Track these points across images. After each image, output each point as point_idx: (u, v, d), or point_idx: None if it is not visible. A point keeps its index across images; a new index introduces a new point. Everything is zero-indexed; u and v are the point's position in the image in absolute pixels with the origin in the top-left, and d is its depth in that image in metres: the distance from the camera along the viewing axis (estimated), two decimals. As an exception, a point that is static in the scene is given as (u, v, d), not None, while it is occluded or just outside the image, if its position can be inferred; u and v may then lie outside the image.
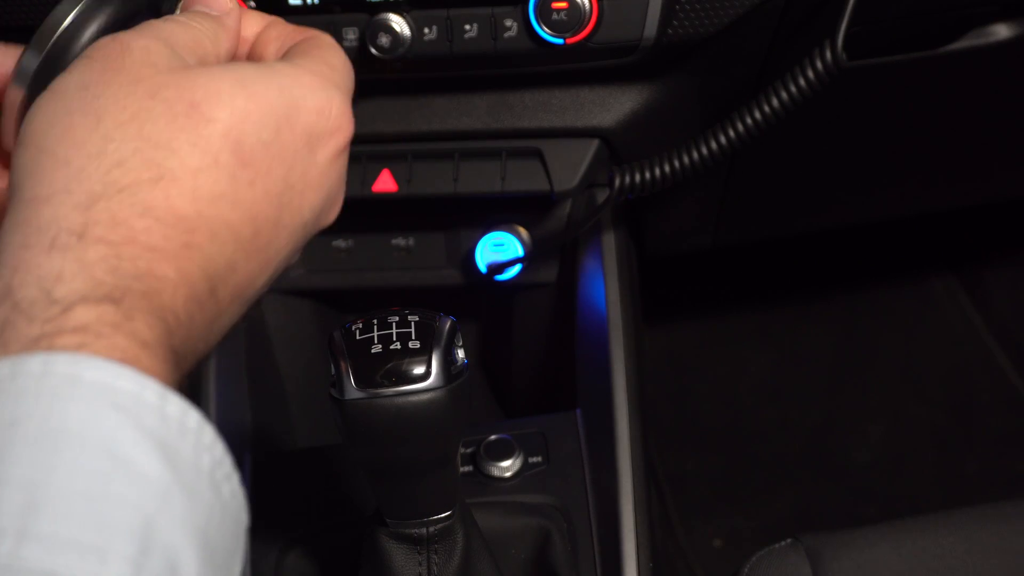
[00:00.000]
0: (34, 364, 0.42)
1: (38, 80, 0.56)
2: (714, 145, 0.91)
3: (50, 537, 0.38)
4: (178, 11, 0.60)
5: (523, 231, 1.10)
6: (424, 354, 0.66)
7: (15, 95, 0.57)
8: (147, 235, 0.47)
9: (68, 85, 0.51)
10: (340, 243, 1.13)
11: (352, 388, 0.66)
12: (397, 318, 0.68)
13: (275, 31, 0.61)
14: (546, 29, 0.87)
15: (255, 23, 0.61)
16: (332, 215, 0.58)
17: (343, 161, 0.56)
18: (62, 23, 0.57)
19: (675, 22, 0.88)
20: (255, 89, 0.52)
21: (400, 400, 0.66)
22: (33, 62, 0.56)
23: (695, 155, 0.92)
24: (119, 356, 0.44)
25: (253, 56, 0.61)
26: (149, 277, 0.47)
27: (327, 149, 0.54)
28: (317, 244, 1.13)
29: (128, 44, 0.52)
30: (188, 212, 0.48)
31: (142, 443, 0.42)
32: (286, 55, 0.58)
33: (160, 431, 0.43)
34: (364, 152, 1.02)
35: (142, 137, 0.49)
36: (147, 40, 0.53)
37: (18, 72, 0.57)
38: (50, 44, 0.57)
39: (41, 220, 0.47)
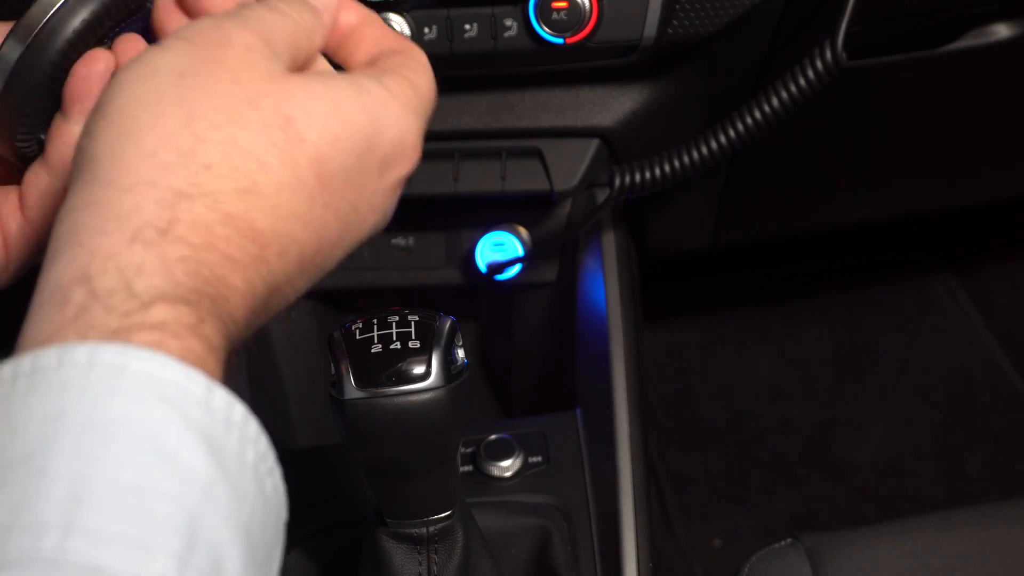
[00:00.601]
0: (80, 354, 0.41)
1: (17, 73, 0.54)
2: (714, 145, 0.91)
3: (95, 531, 0.38)
4: None
5: (523, 231, 1.10)
6: (424, 354, 0.66)
7: (8, 54, 0.54)
8: (226, 243, 0.46)
9: (162, 66, 0.49)
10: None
11: (352, 388, 0.66)
12: (397, 318, 0.68)
13: (369, 31, 0.59)
14: (546, 29, 0.87)
15: (352, 16, 0.59)
16: (377, 232, 0.58)
17: (402, 186, 0.56)
18: (48, 12, 0.54)
19: (675, 22, 0.88)
20: (346, 111, 0.51)
21: (400, 400, 0.66)
22: (14, 53, 0.54)
23: (695, 155, 0.92)
24: (192, 358, 0.44)
25: (342, 52, 0.59)
26: (221, 285, 0.46)
27: (395, 175, 0.54)
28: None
29: (230, 35, 0.51)
30: (265, 227, 0.48)
31: (188, 437, 0.42)
32: (375, 65, 0.57)
33: (206, 424, 0.42)
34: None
35: (234, 144, 0.48)
36: (249, 34, 0.51)
37: (13, 32, 0.54)
38: (33, 35, 0.54)
39: (122, 208, 0.46)
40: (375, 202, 0.54)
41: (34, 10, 0.55)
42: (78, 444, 0.40)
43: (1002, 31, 1.04)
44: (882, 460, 1.64)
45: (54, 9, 0.55)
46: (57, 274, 0.45)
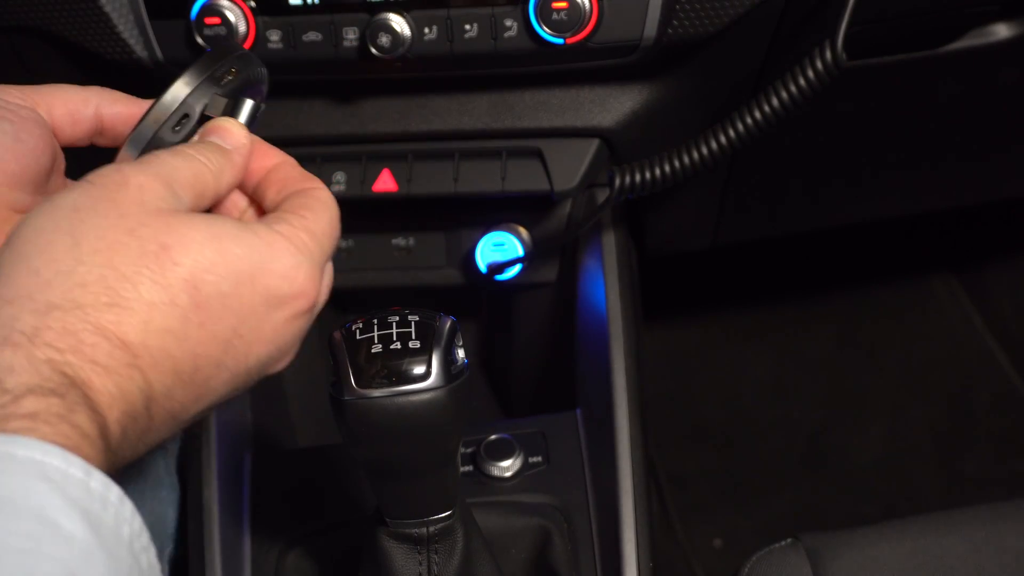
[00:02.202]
0: None
1: (145, 152, 0.63)
2: (714, 145, 0.91)
3: None
4: (196, 137, 0.64)
5: (523, 231, 1.10)
6: (424, 354, 0.66)
7: (126, 157, 0.63)
8: (93, 350, 0.52)
9: (63, 203, 0.56)
10: (340, 243, 1.12)
11: (352, 388, 0.66)
12: (397, 318, 0.68)
13: (282, 174, 0.65)
14: (546, 29, 0.87)
15: (268, 158, 0.65)
16: (280, 365, 0.62)
17: (303, 322, 0.61)
18: (175, 104, 0.63)
19: (675, 22, 0.89)
20: (225, 245, 0.56)
21: (400, 400, 0.66)
22: (147, 133, 0.63)
23: (695, 155, 0.92)
24: (63, 441, 0.49)
25: (257, 194, 0.65)
26: (88, 387, 0.51)
27: (286, 310, 0.59)
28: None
29: (127, 178, 0.57)
30: (135, 340, 0.53)
31: (67, 510, 0.47)
32: (280, 207, 0.62)
33: (84, 501, 0.48)
34: (364, 152, 1.02)
35: (110, 266, 0.54)
36: (146, 178, 0.57)
37: (132, 139, 0.63)
38: (163, 122, 0.63)
39: (2, 318, 0.52)
40: (263, 332, 0.58)
41: (166, 97, 0.64)
42: None
43: (1002, 31, 1.04)
44: (882, 460, 1.65)
45: (181, 100, 0.64)
46: None
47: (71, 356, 0.52)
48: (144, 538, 0.51)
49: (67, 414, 0.50)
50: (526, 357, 1.22)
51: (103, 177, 0.57)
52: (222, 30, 0.89)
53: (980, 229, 1.79)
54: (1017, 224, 1.74)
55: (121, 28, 0.91)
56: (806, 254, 1.79)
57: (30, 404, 0.49)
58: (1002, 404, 1.69)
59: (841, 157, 1.24)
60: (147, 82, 0.96)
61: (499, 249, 1.09)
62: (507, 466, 0.96)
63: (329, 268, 0.63)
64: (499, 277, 1.10)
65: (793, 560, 0.89)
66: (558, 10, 0.86)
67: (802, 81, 0.87)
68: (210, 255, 0.56)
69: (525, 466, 0.97)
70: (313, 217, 0.61)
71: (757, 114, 0.89)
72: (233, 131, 0.63)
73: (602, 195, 1.05)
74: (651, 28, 0.88)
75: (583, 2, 0.86)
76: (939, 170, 1.32)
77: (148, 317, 0.54)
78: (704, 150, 0.92)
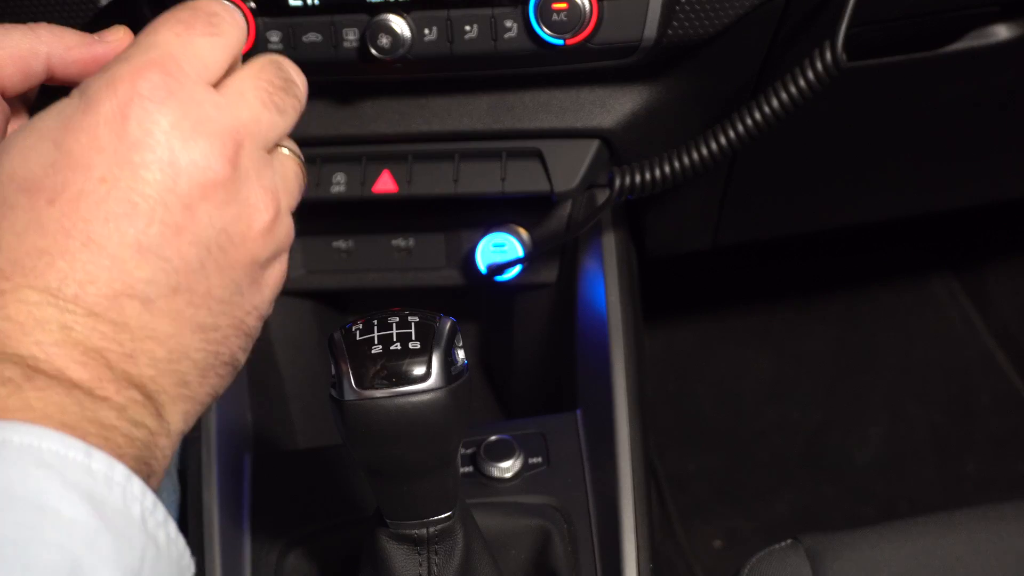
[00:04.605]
0: None
1: None
2: (714, 146, 0.91)
3: None
4: None
5: (523, 232, 1.10)
6: (424, 355, 0.66)
7: None
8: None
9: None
10: (340, 244, 1.13)
11: (352, 388, 0.66)
12: (397, 319, 0.68)
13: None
14: (546, 30, 0.87)
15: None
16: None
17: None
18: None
19: (675, 23, 0.89)
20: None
21: (400, 401, 0.66)
22: None
23: (695, 156, 0.92)
24: (58, 414, 0.48)
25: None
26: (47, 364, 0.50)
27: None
28: (317, 245, 1.13)
29: None
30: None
31: (67, 494, 0.46)
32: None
33: (86, 483, 0.47)
34: (364, 153, 1.02)
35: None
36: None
37: None
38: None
39: None
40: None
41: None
42: None
43: (1002, 32, 1.04)
44: (882, 460, 1.65)
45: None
46: None
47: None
48: (159, 513, 0.49)
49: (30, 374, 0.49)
50: (526, 358, 1.22)
51: None
52: (222, 31, 0.89)
53: (980, 229, 1.79)
54: (1017, 224, 1.74)
55: (121, 29, 0.91)
56: (806, 254, 1.79)
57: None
58: (1002, 404, 1.69)
59: (841, 158, 1.24)
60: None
61: (499, 250, 1.09)
62: (507, 467, 0.96)
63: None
64: (499, 278, 1.10)
65: (793, 561, 0.89)
66: (558, 11, 0.86)
67: (802, 82, 0.87)
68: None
69: (525, 467, 0.97)
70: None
71: (757, 115, 0.89)
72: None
73: (602, 196, 1.05)
74: (651, 29, 0.88)
75: (583, 3, 0.86)
76: (939, 171, 1.32)
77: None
78: (704, 151, 0.92)
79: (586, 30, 0.87)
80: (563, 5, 0.86)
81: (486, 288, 1.15)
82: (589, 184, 1.03)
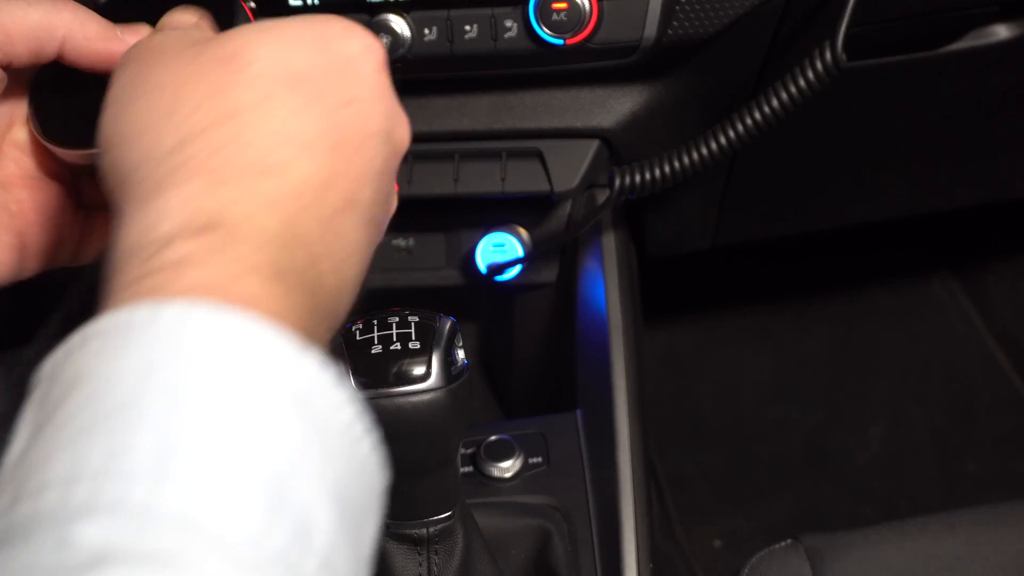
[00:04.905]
0: (173, 312, 0.41)
1: None
2: (714, 146, 0.91)
3: (184, 482, 0.38)
4: None
5: (523, 232, 1.10)
6: (424, 355, 0.66)
7: None
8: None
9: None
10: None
11: (352, 388, 0.66)
12: (397, 318, 0.68)
13: None
14: (546, 30, 0.87)
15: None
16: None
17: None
18: None
19: (675, 23, 0.89)
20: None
21: (400, 400, 0.66)
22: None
23: (695, 155, 0.92)
24: (223, 279, 0.44)
25: None
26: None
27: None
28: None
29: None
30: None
31: (279, 397, 0.41)
32: None
33: (297, 385, 0.42)
34: (364, 153, 1.01)
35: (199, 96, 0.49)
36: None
37: None
38: None
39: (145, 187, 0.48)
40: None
41: None
42: (169, 398, 0.40)
43: (1002, 32, 1.04)
44: (882, 460, 1.64)
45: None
46: (149, 229, 0.45)
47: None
48: (364, 422, 0.45)
49: (225, 246, 0.44)
50: (526, 358, 1.22)
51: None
52: (222, 31, 0.89)
53: (980, 229, 1.79)
54: (1017, 224, 1.74)
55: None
56: (806, 254, 1.79)
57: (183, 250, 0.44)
58: (1002, 404, 1.69)
59: (841, 158, 1.24)
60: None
61: (499, 250, 1.09)
62: (507, 467, 0.96)
63: None
64: (499, 278, 1.10)
65: (793, 561, 0.89)
66: (558, 11, 0.86)
67: (802, 82, 0.87)
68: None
69: (525, 467, 0.97)
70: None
71: (757, 115, 0.89)
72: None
73: (602, 196, 1.05)
74: (651, 29, 0.88)
75: (583, 3, 0.86)
76: (939, 171, 1.32)
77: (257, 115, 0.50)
78: (704, 151, 0.92)
79: (586, 30, 0.87)
80: (563, 5, 0.86)
81: (486, 288, 1.15)
82: (589, 184, 1.03)
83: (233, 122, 0.48)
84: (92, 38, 0.61)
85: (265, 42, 0.51)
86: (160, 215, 0.45)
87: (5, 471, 0.40)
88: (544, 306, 1.17)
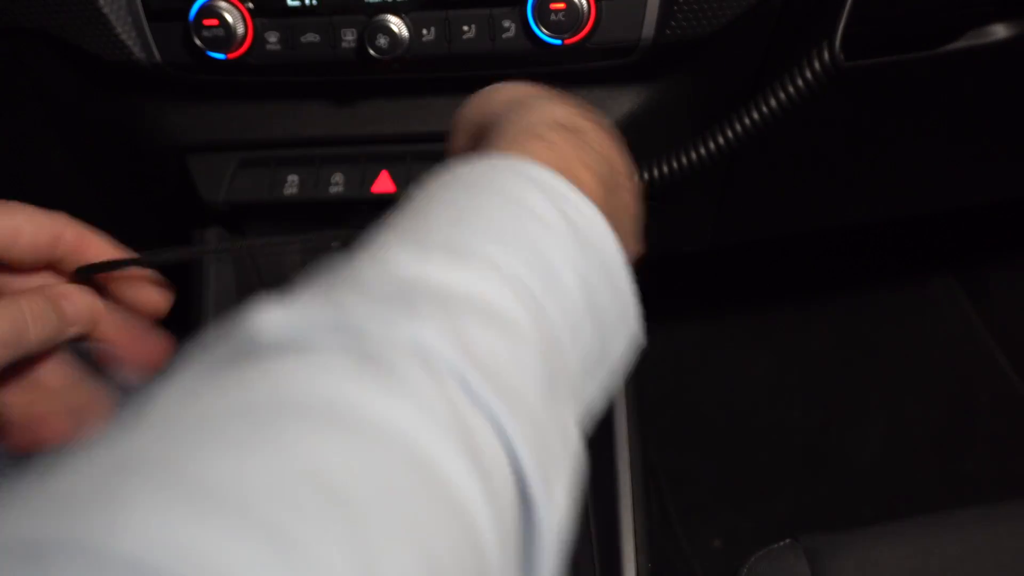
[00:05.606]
0: (501, 159, 0.57)
1: None
2: (712, 146, 0.91)
3: (479, 248, 0.50)
4: None
5: (522, 232, 1.10)
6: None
7: None
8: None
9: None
10: (337, 245, 1.13)
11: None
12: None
13: None
14: (544, 30, 0.87)
15: None
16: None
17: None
18: None
19: (673, 23, 0.89)
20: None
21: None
22: None
23: (693, 156, 0.92)
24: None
25: None
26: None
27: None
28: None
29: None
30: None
31: (549, 206, 0.54)
32: None
33: (563, 205, 0.55)
34: (363, 153, 1.02)
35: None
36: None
37: None
38: None
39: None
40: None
41: None
42: (473, 196, 0.55)
43: (1001, 31, 1.04)
44: (882, 460, 1.64)
45: None
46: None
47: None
48: (613, 238, 0.59)
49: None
50: (525, 358, 1.22)
51: None
52: (220, 31, 0.89)
53: (980, 229, 1.79)
54: (1017, 224, 1.74)
55: (120, 30, 0.91)
56: (806, 254, 1.79)
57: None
58: (1002, 404, 1.69)
59: (840, 158, 1.24)
60: (147, 82, 0.96)
61: (498, 250, 1.09)
62: (506, 467, 0.96)
63: None
64: (498, 278, 1.10)
65: (792, 561, 0.89)
66: (556, 11, 0.86)
67: (800, 82, 0.87)
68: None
69: (524, 467, 0.96)
70: None
71: (755, 115, 0.89)
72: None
73: (601, 196, 1.04)
74: (649, 29, 0.88)
75: (581, 3, 0.86)
76: (938, 171, 1.32)
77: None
78: (702, 151, 0.92)
79: (584, 30, 0.87)
80: (561, 5, 0.86)
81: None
82: (588, 184, 1.03)
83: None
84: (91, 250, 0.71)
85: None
86: (542, 113, 0.64)
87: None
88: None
